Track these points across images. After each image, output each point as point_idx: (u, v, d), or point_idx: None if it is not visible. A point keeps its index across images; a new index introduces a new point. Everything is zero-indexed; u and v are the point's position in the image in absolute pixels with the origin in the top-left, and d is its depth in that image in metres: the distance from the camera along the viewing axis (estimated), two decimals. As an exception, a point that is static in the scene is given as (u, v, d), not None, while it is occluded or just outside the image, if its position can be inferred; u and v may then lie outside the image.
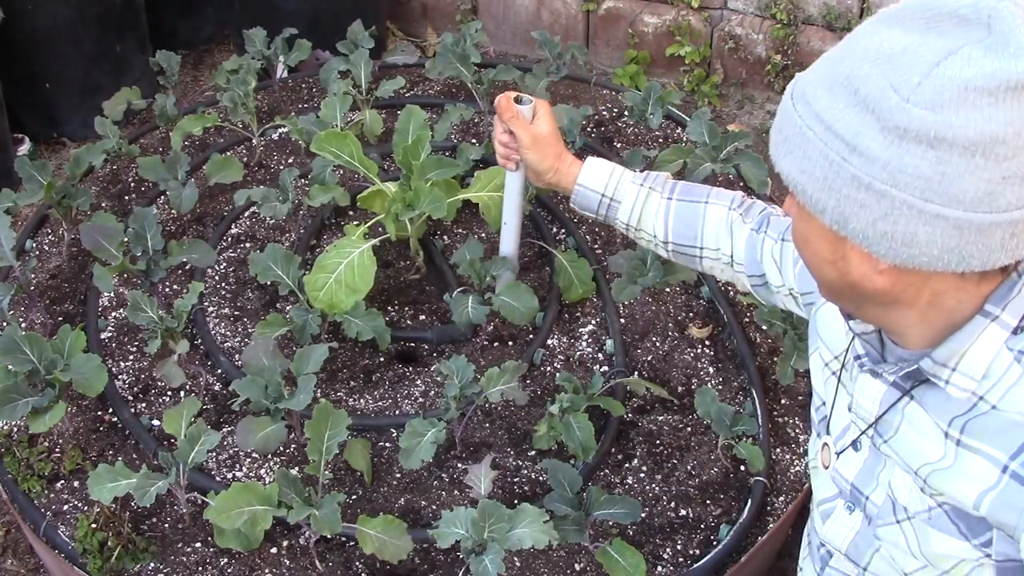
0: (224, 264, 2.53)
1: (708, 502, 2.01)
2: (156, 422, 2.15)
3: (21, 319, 2.35)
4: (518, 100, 1.75)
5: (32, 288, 2.39)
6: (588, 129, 2.93)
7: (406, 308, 2.42)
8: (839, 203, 0.96)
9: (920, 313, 1.03)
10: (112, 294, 2.46)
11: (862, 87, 0.92)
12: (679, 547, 1.93)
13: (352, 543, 1.92)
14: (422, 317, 2.40)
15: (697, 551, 1.93)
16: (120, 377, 2.27)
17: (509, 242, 2.19)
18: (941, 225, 0.92)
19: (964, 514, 1.07)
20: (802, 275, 1.34)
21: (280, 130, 2.96)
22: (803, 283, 1.35)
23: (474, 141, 2.83)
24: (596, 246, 2.56)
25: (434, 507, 1.99)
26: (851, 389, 1.21)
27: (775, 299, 1.49)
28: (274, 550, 1.92)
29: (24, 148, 3.82)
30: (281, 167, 2.83)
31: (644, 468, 2.07)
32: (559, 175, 1.69)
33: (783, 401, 2.23)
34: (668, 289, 2.44)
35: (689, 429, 2.14)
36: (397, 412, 2.18)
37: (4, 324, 2.23)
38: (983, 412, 1.03)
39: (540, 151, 1.69)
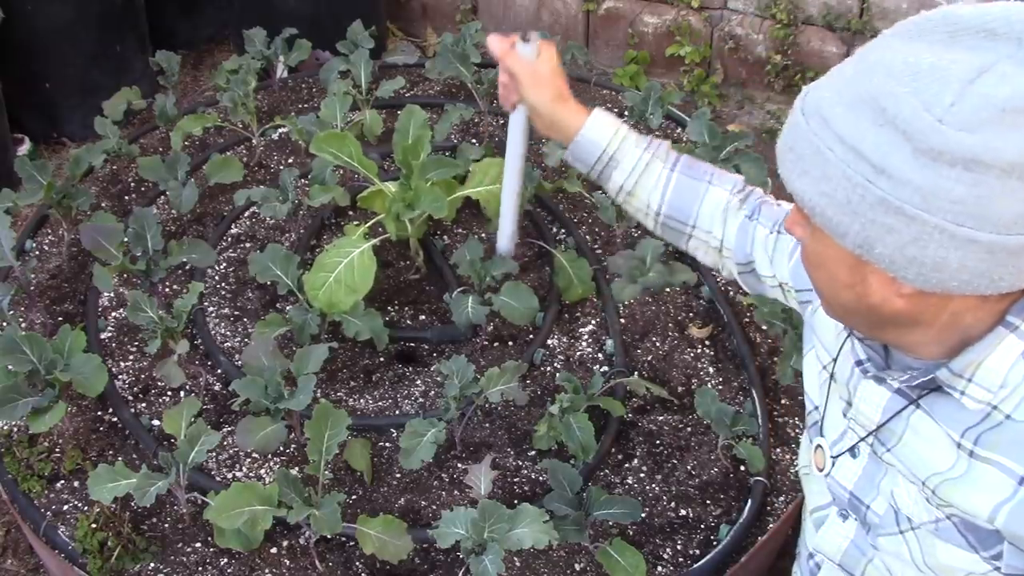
0: (224, 264, 2.53)
1: (708, 502, 2.01)
2: (156, 422, 2.15)
3: (21, 319, 2.35)
4: (524, 38, 1.67)
5: (32, 288, 2.39)
6: (588, 129, 2.93)
7: (406, 308, 2.42)
8: (863, 227, 0.92)
9: (937, 332, 1.00)
10: (112, 294, 2.46)
11: (890, 106, 0.87)
12: (679, 547, 1.93)
13: (352, 543, 1.92)
14: (422, 317, 2.40)
15: (697, 551, 1.93)
16: (120, 377, 2.27)
17: (508, 214, 2.15)
18: (973, 249, 0.88)
19: (974, 526, 1.05)
20: (797, 271, 1.31)
21: (280, 130, 2.96)
22: (798, 280, 1.32)
23: (474, 141, 2.83)
24: (596, 246, 2.56)
25: (434, 507, 1.99)
26: (848, 394, 1.18)
27: (762, 287, 1.45)
28: (274, 550, 1.92)
29: (24, 148, 3.81)
30: (281, 167, 2.83)
31: (644, 468, 2.07)
32: (559, 118, 1.59)
33: (783, 401, 2.23)
34: (668, 289, 2.43)
35: (689, 429, 2.14)
36: (397, 412, 2.18)
37: (4, 324, 2.23)
38: (997, 423, 1.01)
39: (538, 90, 1.60)
